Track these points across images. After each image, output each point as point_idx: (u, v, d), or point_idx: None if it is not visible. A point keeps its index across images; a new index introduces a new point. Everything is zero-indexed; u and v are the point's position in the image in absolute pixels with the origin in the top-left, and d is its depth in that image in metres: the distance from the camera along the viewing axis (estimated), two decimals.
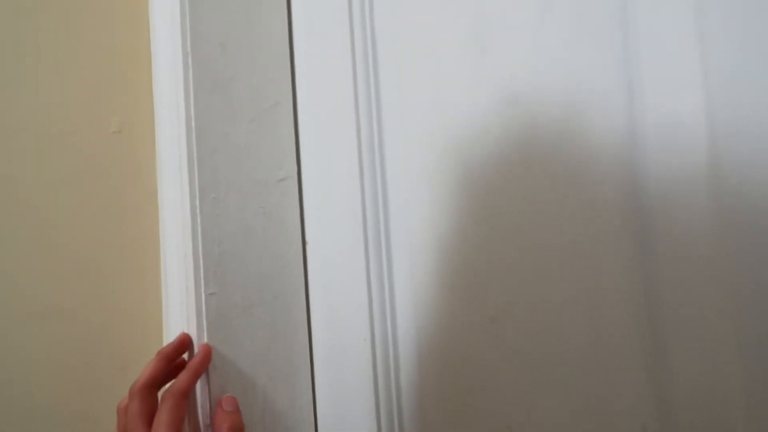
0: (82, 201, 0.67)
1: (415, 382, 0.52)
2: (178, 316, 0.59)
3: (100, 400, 0.65)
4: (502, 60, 0.45)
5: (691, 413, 0.36)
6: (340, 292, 0.57)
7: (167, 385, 0.54)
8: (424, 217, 0.51)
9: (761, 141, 0.33)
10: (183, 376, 0.53)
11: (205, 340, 0.57)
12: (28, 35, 0.66)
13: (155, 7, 0.64)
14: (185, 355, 0.58)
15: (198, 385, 0.56)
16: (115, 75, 0.69)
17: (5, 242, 0.63)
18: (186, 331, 0.58)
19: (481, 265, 0.47)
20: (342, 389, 0.57)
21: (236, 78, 0.61)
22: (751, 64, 0.33)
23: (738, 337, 0.34)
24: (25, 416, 0.63)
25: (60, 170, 0.66)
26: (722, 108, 0.34)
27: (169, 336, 0.63)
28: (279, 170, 0.62)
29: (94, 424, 0.64)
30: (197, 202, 0.57)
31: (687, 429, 0.36)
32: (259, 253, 0.60)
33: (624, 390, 0.39)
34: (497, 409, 0.45)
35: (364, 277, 0.54)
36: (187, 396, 0.53)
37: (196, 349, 0.57)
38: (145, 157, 0.71)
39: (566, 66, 0.41)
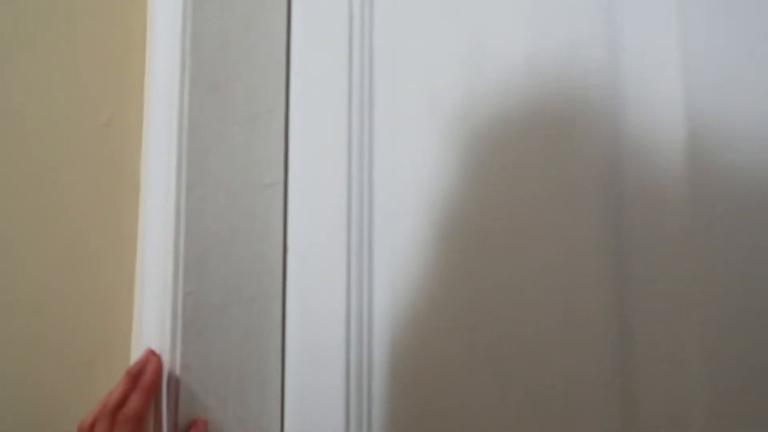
0: (66, 191, 0.66)
1: (388, 392, 0.52)
2: (153, 313, 0.59)
3: (65, 394, 0.64)
4: (495, 80, 0.47)
5: (654, 417, 0.37)
6: (318, 298, 0.58)
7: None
8: (409, 229, 0.52)
9: (742, 116, 0.35)
10: (137, 398, 0.53)
11: (179, 339, 0.56)
12: (23, 22, 0.66)
13: (157, 5, 0.64)
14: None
15: (165, 386, 0.55)
16: (109, 68, 0.70)
17: None
18: (160, 330, 0.58)
19: (461, 276, 0.48)
20: (312, 396, 0.57)
21: (232, 80, 0.62)
22: (727, 25, 0.35)
23: (702, 329, 0.36)
24: None
25: (44, 159, 0.65)
26: (701, 83, 0.36)
27: (141, 335, 0.62)
28: (267, 174, 0.63)
29: (61, 415, 0.63)
30: (183, 199, 0.58)
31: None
32: (240, 255, 0.60)
33: (594, 396, 0.40)
34: (469, 419, 0.46)
35: (344, 285, 0.55)
36: (143, 418, 0.53)
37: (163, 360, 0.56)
38: (132, 152, 0.70)
39: (558, 82, 0.43)
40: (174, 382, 0.56)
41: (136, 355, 0.64)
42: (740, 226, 0.35)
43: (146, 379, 0.54)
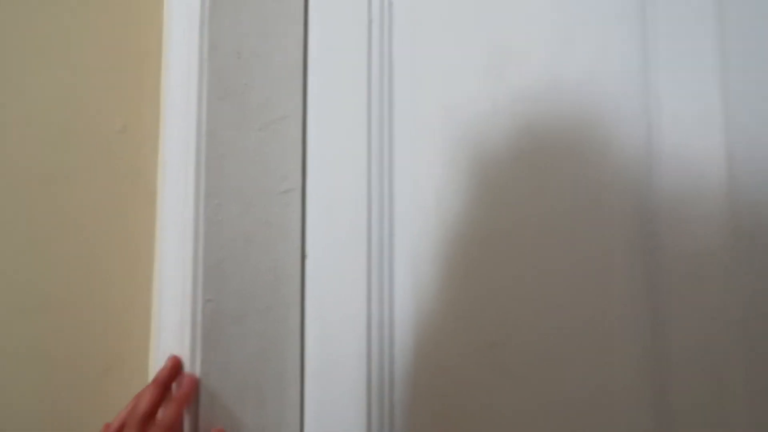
0: (81, 198, 0.66)
1: (410, 401, 0.52)
2: (172, 321, 0.59)
3: (83, 400, 0.64)
4: (518, 87, 0.46)
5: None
6: (338, 308, 0.57)
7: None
8: (430, 237, 0.51)
9: None
10: (172, 409, 0.53)
11: (199, 348, 0.56)
12: (39, 29, 0.66)
13: (173, 13, 0.64)
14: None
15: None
16: (124, 75, 0.69)
17: (1, 235, 0.62)
18: (179, 338, 0.57)
19: (484, 290, 0.47)
20: (332, 406, 0.57)
21: (249, 87, 0.61)
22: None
23: (742, 343, 0.35)
24: (6, 411, 0.61)
25: (61, 165, 0.65)
26: (739, 118, 0.36)
27: (160, 342, 0.62)
28: (284, 181, 0.63)
29: (75, 423, 0.63)
30: (201, 207, 0.57)
31: None
32: (257, 263, 0.60)
33: (625, 419, 0.39)
34: (493, 431, 0.45)
35: (365, 294, 0.55)
36: (176, 429, 0.53)
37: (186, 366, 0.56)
38: (147, 158, 0.70)
39: (586, 90, 0.43)
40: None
41: (154, 362, 0.64)
42: None
43: (182, 392, 0.54)
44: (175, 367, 0.56)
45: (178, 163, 0.60)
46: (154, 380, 0.55)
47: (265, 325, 0.60)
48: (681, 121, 0.38)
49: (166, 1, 0.70)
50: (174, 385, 0.57)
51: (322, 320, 0.59)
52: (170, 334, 0.59)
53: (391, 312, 0.54)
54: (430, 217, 0.52)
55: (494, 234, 0.48)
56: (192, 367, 0.56)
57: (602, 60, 0.42)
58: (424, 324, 0.51)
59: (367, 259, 0.55)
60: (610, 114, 0.41)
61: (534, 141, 0.46)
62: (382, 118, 0.56)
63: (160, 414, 0.54)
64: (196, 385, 0.55)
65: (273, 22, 0.63)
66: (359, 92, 0.57)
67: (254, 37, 0.62)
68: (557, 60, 0.45)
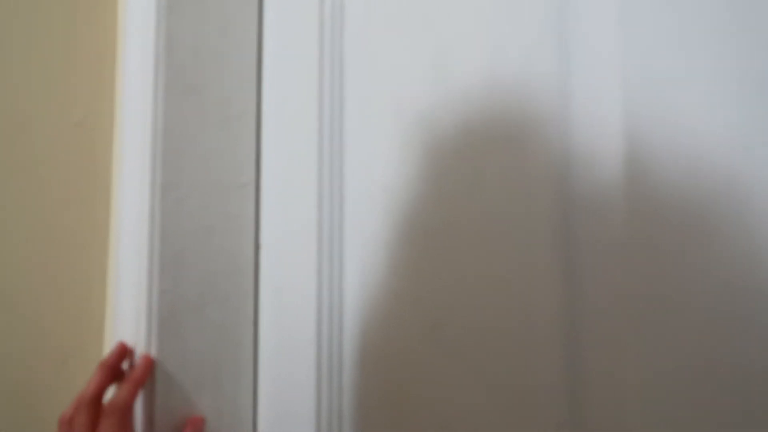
0: (37, 189, 0.67)
1: (358, 383, 0.55)
2: (129, 312, 0.60)
3: (41, 391, 0.65)
4: (459, 86, 0.50)
5: (598, 410, 0.41)
6: (290, 295, 0.60)
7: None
8: (377, 228, 0.54)
9: (672, 134, 0.39)
10: (124, 389, 0.54)
11: (155, 337, 0.58)
12: None
13: (129, 8, 0.65)
14: (125, 364, 0.58)
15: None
16: (80, 67, 0.70)
17: None
18: (135, 328, 0.59)
19: (427, 276, 0.51)
20: (285, 387, 0.60)
21: (205, 84, 0.63)
22: (664, 66, 0.40)
23: (641, 334, 0.40)
24: None
25: (17, 157, 0.66)
26: (638, 102, 0.41)
27: (116, 332, 0.64)
28: (240, 175, 0.65)
29: (34, 415, 0.64)
30: (158, 201, 0.59)
31: (595, 424, 0.41)
32: (215, 254, 0.62)
33: (545, 389, 0.44)
34: (433, 410, 0.49)
35: (315, 281, 0.58)
36: (130, 409, 0.54)
37: (136, 355, 0.57)
38: (103, 151, 0.71)
39: (516, 91, 0.47)
40: (150, 378, 0.57)
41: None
42: (672, 234, 0.39)
43: (136, 372, 0.55)
44: (122, 352, 0.58)
45: (136, 157, 0.62)
46: (100, 364, 0.56)
47: (224, 313, 0.62)
48: (589, 123, 0.43)
49: None
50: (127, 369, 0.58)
51: (275, 307, 0.62)
52: (127, 323, 0.60)
53: (341, 299, 0.57)
54: (378, 209, 0.55)
55: (436, 224, 0.51)
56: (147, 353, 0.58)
57: (529, 65, 0.46)
58: (371, 309, 0.55)
59: (318, 249, 0.58)
60: (536, 114, 0.45)
61: (472, 137, 0.49)
62: (333, 114, 0.59)
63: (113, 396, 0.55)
64: (151, 365, 0.56)
65: (229, 22, 0.65)
66: (311, 90, 0.60)
67: (211, 37, 0.64)
68: (492, 62, 0.48)
